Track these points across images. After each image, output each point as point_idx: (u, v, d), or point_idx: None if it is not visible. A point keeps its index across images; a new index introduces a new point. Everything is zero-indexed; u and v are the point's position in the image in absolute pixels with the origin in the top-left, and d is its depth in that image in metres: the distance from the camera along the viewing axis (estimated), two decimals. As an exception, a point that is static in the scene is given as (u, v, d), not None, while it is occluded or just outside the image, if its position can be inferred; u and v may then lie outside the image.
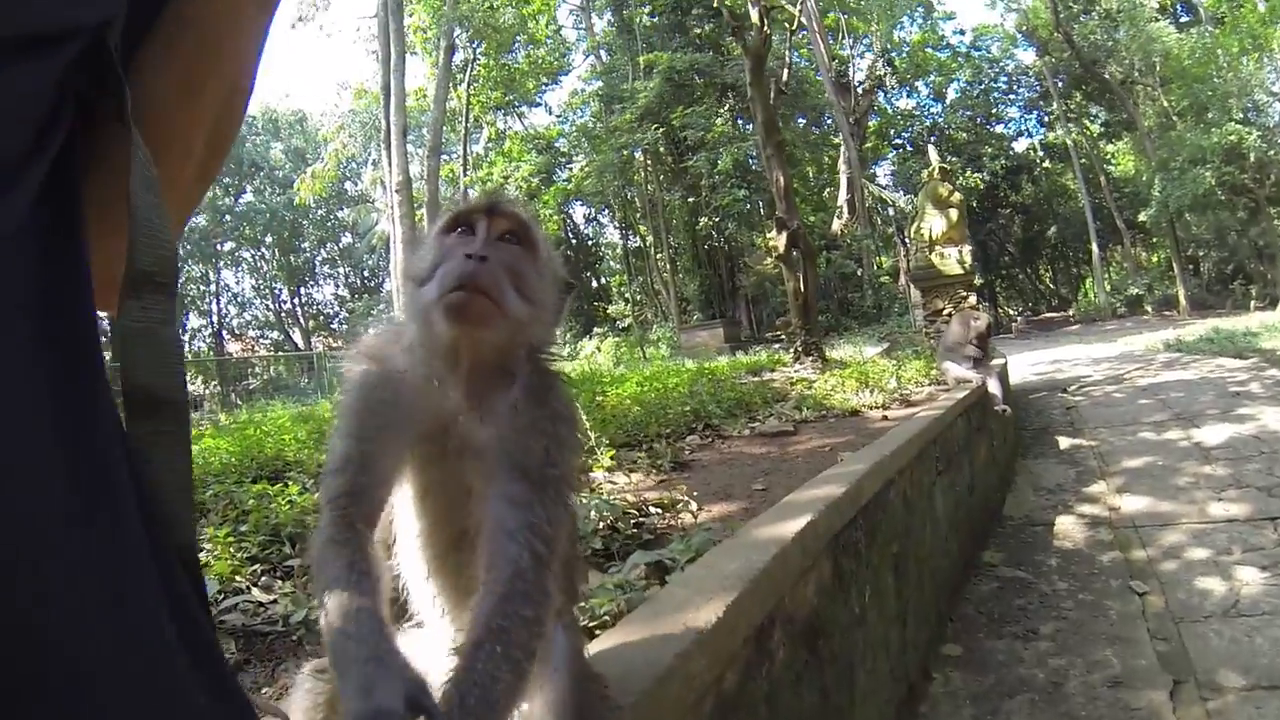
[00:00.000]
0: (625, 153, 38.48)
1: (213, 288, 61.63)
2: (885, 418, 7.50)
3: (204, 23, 0.88)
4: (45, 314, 0.67)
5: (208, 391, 37.85)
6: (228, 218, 57.82)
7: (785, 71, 19.24)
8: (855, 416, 7.85)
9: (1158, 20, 41.28)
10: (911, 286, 22.71)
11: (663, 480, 5.20)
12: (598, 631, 2.40)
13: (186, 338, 60.06)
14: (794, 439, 6.64)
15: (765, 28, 15.86)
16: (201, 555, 3.58)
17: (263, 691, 2.48)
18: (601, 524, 3.59)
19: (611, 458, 5.04)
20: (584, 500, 3.81)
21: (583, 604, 2.52)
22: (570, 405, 1.46)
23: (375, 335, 1.50)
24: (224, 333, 62.70)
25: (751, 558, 2.52)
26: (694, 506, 4.24)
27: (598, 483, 4.52)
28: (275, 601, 3.11)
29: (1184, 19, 45.02)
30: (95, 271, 0.81)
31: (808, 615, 2.91)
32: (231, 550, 3.55)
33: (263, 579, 3.43)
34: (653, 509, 4.17)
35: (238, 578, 3.33)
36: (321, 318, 65.92)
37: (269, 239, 60.92)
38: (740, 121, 38.04)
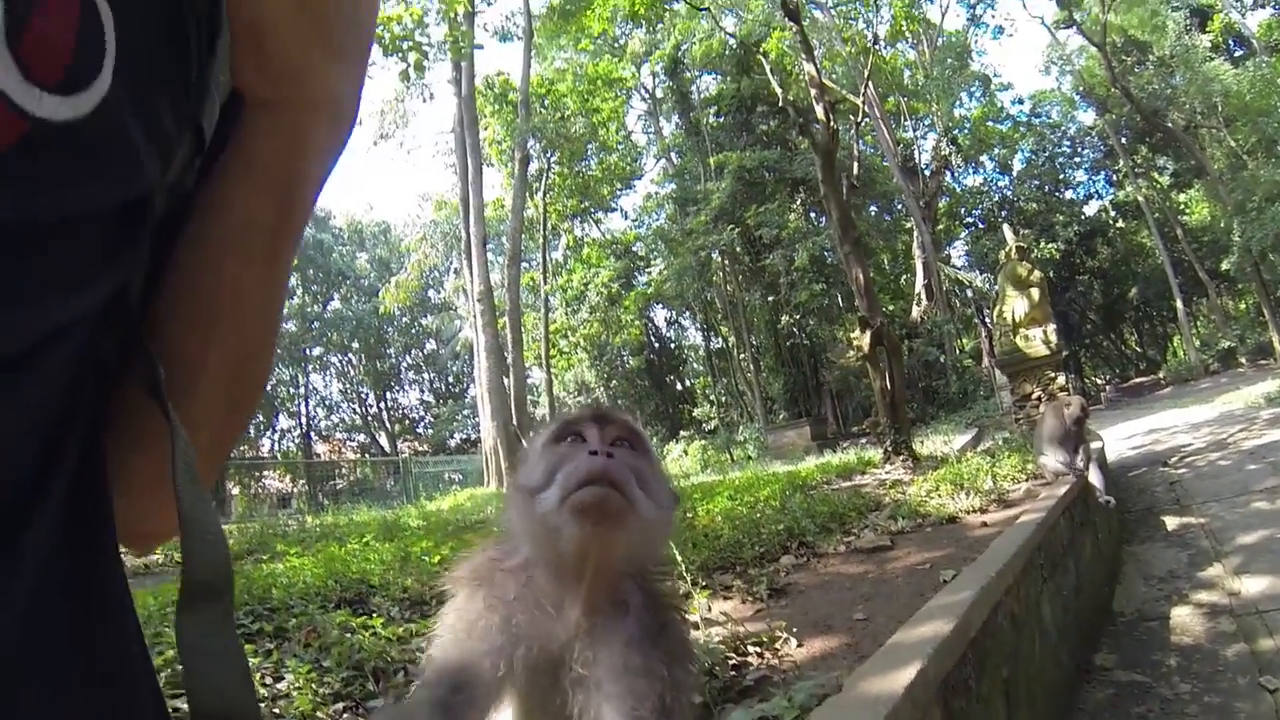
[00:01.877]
0: (702, 254, 38.75)
1: (301, 390, 63.35)
2: (984, 523, 7.26)
3: (204, 284, 0.82)
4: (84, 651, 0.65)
5: (295, 490, 38.69)
6: (315, 324, 59.77)
7: (855, 165, 19.24)
8: (953, 523, 7.61)
9: (1212, 59, 40.57)
10: (997, 370, 22.29)
11: (759, 610, 5.08)
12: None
13: (276, 438, 61.80)
14: (892, 554, 6.45)
15: (831, 123, 15.97)
16: (282, 686, 3.56)
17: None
18: (699, 672, 3.47)
19: (706, 596, 4.93)
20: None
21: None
22: (686, 642, 1.37)
23: (481, 556, 1.42)
24: (312, 434, 64.10)
25: (861, 723, 2.40)
26: (794, 644, 4.11)
27: (693, 623, 4.41)
28: (359, 743, 3.06)
29: (1238, 53, 44.26)
30: (125, 528, 0.79)
31: (919, 770, 2.76)
32: (314, 686, 3.51)
33: (344, 717, 3.38)
34: (750, 647, 4.05)
35: (319, 715, 3.27)
36: (407, 421, 67.13)
37: (355, 344, 62.57)
38: (813, 215, 38.26)
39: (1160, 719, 5.28)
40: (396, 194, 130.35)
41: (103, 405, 0.74)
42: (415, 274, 44.00)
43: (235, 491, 37.86)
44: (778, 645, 4.08)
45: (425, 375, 66.85)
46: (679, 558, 5.18)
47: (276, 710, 3.18)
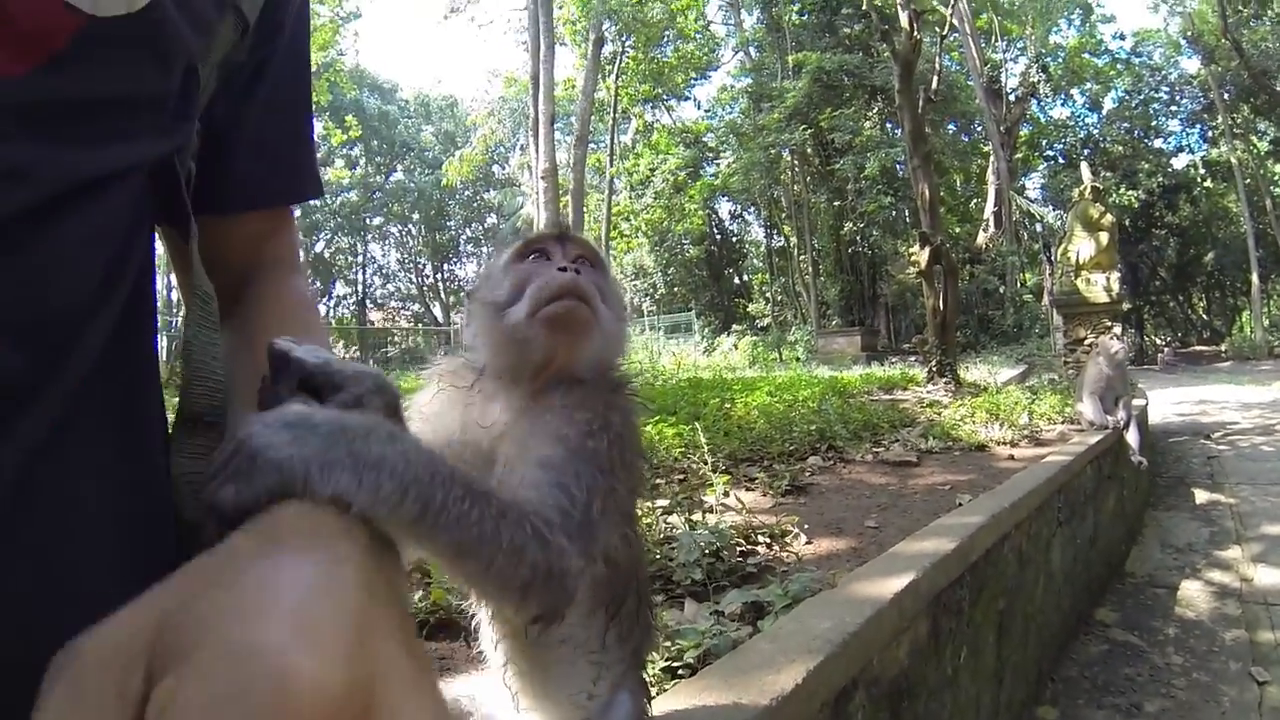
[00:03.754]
0: (772, 152, 38.33)
1: (360, 259, 64.26)
2: (1012, 456, 7.27)
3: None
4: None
5: (348, 357, 39.44)
6: (378, 194, 60.22)
7: (935, 78, 18.65)
8: (981, 451, 7.64)
9: None
10: (1054, 310, 21.94)
11: (777, 504, 5.19)
12: (681, 673, 2.44)
13: (332, 304, 62.97)
14: (915, 471, 6.51)
15: (915, 33, 15.49)
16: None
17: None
18: (706, 552, 3.60)
19: (726, 482, 5.05)
20: (690, 528, 3.85)
21: (667, 643, 2.55)
22: (630, 410, 1.37)
23: (450, 360, 1.47)
24: (367, 302, 65.22)
25: (845, 617, 2.50)
26: (803, 540, 4.23)
27: (709, 506, 4.55)
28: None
29: (1365, 25, 41.29)
30: None
31: (895, 676, 2.86)
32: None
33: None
34: (761, 537, 4.17)
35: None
36: (462, 294, 67.42)
37: (416, 216, 63.07)
38: (889, 126, 37.40)
39: (1147, 684, 5.36)
40: (465, 69, 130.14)
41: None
42: (480, 148, 43.92)
43: (288, 357, 38.71)
44: (787, 539, 4.18)
45: (484, 249, 67.19)
46: (705, 442, 5.32)
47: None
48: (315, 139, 1.22)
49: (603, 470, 1.18)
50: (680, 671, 2.43)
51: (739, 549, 3.91)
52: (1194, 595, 7.13)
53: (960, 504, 4.84)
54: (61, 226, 0.69)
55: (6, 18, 0.63)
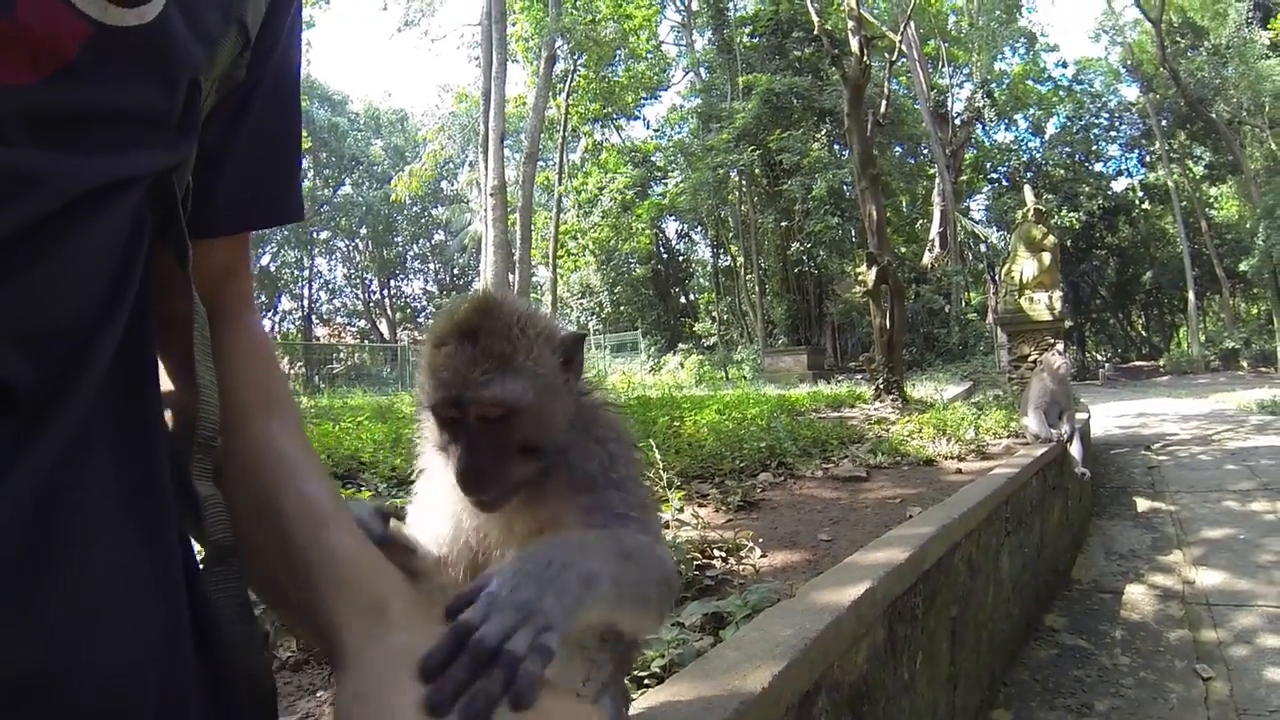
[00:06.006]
0: (721, 172, 38.61)
1: (306, 273, 63.37)
2: (960, 470, 7.39)
3: None
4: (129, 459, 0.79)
5: (293, 372, 38.85)
6: (325, 208, 59.42)
7: (883, 102, 18.96)
8: (930, 466, 7.74)
9: (1269, 57, 39.43)
10: (998, 328, 22.32)
11: (730, 520, 5.24)
12: (648, 682, 2.47)
13: (277, 319, 61.96)
14: (865, 486, 6.60)
15: (865, 57, 15.75)
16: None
17: (317, 695, 2.59)
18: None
19: (681, 497, 5.09)
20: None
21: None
22: (620, 432, 1.43)
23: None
24: (313, 317, 64.33)
25: (806, 624, 2.55)
26: (758, 554, 4.28)
27: (664, 522, 4.58)
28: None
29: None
30: None
31: (855, 681, 2.92)
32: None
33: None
34: (717, 551, 4.22)
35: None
36: (409, 310, 67.27)
37: (363, 231, 62.42)
38: (837, 147, 37.82)
39: (1096, 685, 5.52)
40: (417, 84, 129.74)
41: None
42: (430, 164, 43.62)
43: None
44: (743, 553, 4.24)
45: (431, 265, 66.72)
46: (659, 459, 5.35)
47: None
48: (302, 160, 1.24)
49: (630, 494, 1.34)
50: (646, 680, 2.48)
51: (696, 563, 3.96)
52: (1139, 599, 7.36)
53: (911, 516, 4.92)
54: (72, 235, 0.70)
55: (20, 26, 0.65)
